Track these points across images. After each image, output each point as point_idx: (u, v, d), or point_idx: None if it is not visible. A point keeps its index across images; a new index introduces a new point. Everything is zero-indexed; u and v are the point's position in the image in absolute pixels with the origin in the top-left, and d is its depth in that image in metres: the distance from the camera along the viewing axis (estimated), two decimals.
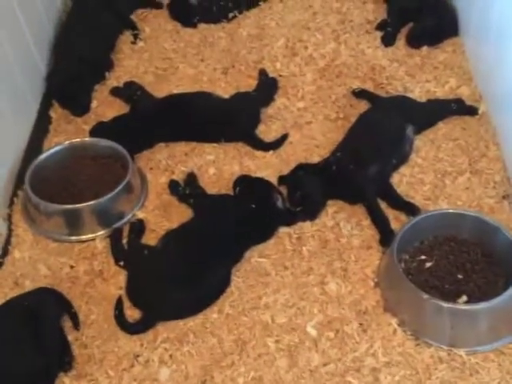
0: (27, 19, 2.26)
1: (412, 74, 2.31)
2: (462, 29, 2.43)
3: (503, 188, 1.83)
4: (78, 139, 2.10)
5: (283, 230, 1.83)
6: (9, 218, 1.93)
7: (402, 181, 1.91)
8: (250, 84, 2.35)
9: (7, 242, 1.87)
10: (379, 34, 2.52)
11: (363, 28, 2.57)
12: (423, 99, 2.17)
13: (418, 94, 2.20)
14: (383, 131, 1.95)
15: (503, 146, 1.94)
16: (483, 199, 1.82)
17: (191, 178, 2.01)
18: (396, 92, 2.21)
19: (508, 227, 1.67)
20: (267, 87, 2.32)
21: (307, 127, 2.18)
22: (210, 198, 1.91)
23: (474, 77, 2.23)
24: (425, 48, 2.41)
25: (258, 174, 2.01)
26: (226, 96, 2.27)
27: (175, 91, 2.35)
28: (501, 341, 1.48)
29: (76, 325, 1.65)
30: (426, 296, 1.48)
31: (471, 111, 2.08)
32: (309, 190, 1.86)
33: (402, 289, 1.53)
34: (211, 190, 1.98)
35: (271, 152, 2.11)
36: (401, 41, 2.47)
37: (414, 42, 2.42)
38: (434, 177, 1.90)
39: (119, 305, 1.66)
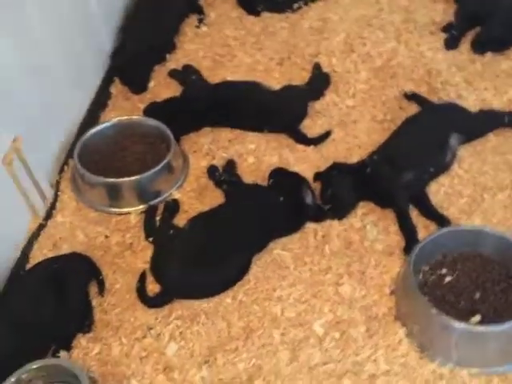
0: None
1: (470, 81, 2.23)
2: None
3: None
4: (126, 117, 2.20)
5: (310, 226, 1.85)
6: (57, 185, 2.06)
7: (439, 191, 1.87)
8: (303, 77, 2.35)
9: (52, 206, 2.00)
10: (444, 36, 2.44)
11: (427, 29, 2.50)
12: (477, 108, 2.09)
13: (472, 102, 2.13)
14: (425, 138, 1.91)
15: None
16: None
17: (230, 165, 2.05)
18: (449, 98, 2.15)
19: None
20: (319, 82, 2.32)
21: (352, 126, 2.17)
22: (242, 187, 1.95)
23: None
24: (489, 54, 2.32)
25: (296, 168, 2.02)
26: (278, 87, 2.29)
27: (229, 78, 2.39)
28: (508, 366, 1.44)
29: (101, 291, 1.75)
30: (434, 311, 1.46)
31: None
32: (340, 190, 1.86)
33: (414, 300, 1.51)
34: (248, 178, 2.02)
35: (312, 147, 2.11)
36: (465, 45, 2.39)
37: (479, 47, 2.33)
38: (473, 190, 1.85)
39: (142, 278, 1.75)
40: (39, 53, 1.97)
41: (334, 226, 1.83)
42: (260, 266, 1.76)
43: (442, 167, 1.90)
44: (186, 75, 2.44)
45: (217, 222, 1.82)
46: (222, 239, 1.76)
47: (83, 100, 2.33)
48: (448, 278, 1.58)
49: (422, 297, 1.49)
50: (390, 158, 1.88)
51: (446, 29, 2.45)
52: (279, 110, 2.19)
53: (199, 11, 2.76)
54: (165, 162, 2.01)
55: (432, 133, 1.92)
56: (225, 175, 2.02)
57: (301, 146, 2.12)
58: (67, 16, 2.17)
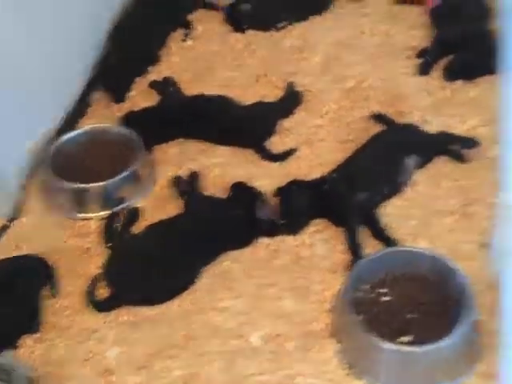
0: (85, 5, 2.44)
1: (437, 107, 2.26)
2: (500, 66, 2.33)
3: (486, 236, 1.77)
4: (99, 125, 2.27)
5: (262, 241, 1.89)
6: (26, 187, 2.12)
7: (389, 212, 1.90)
8: (276, 94, 2.41)
9: (19, 208, 2.06)
10: (419, 61, 2.48)
11: (404, 53, 2.54)
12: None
13: (435, 127, 2.16)
14: (381, 159, 1.95)
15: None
16: (463, 244, 1.78)
17: (194, 177, 2.11)
18: (413, 122, 2.18)
19: (478, 276, 1.63)
20: (290, 100, 2.37)
21: (318, 144, 2.21)
22: (201, 198, 2.00)
23: (498, 118, 2.15)
24: (460, 81, 2.35)
25: (259, 183, 2.07)
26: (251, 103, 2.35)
27: (207, 92, 2.45)
28: None
29: (54, 293, 1.80)
30: (363, 329, 1.49)
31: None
32: (295, 205, 1.91)
33: (346, 317, 1.54)
34: (212, 190, 2.07)
35: (277, 163, 2.16)
36: (438, 71, 2.42)
37: (450, 75, 2.37)
38: (423, 213, 1.88)
39: (93, 282, 1.80)
40: (16, 54, 2.03)
41: (285, 242, 1.87)
42: (209, 276, 1.80)
43: (396, 189, 1.94)
44: (165, 87, 2.51)
45: (172, 231, 1.88)
46: (175, 248, 1.81)
47: (62, 105, 2.39)
48: (386, 298, 1.61)
49: (353, 314, 1.52)
50: (347, 177, 1.93)
51: (421, 54, 2.49)
52: (247, 126, 2.25)
53: (186, 25, 2.83)
54: (130, 170, 2.07)
55: (389, 154, 1.96)
56: (188, 186, 2.07)
57: (266, 162, 2.17)
58: (51, 20, 2.23)
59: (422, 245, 1.78)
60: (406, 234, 1.83)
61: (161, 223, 1.90)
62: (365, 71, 2.46)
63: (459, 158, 2.01)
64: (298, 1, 2.84)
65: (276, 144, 2.23)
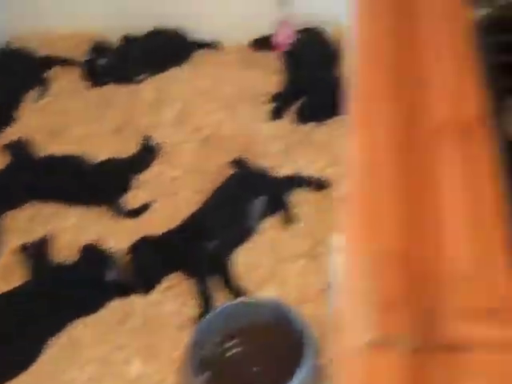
0: None
1: (288, 150, 2.33)
2: (343, 109, 2.46)
3: (328, 277, 1.82)
4: None
5: (114, 303, 1.82)
6: None
7: (239, 260, 1.91)
8: (133, 148, 2.38)
9: None
10: (272, 106, 2.55)
11: (259, 99, 2.60)
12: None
13: (285, 170, 2.22)
14: (228, 206, 1.97)
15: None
16: (310, 287, 1.80)
17: (43, 243, 2.02)
18: (265, 166, 2.23)
19: (322, 318, 1.65)
20: (146, 154, 2.36)
21: (174, 197, 2.19)
22: (47, 265, 1.91)
23: (343, 159, 2.24)
24: (311, 124, 2.44)
25: (113, 241, 2.02)
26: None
27: (64, 150, 2.39)
28: None
29: None
30: None
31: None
32: (146, 263, 1.87)
33: (189, 378, 1.51)
34: (64, 255, 1.99)
35: (132, 219, 2.12)
36: (290, 115, 2.50)
37: (301, 118, 2.45)
38: (272, 259, 1.90)
39: None
40: None
41: (137, 302, 1.82)
42: (55, 346, 1.71)
43: (245, 235, 1.95)
44: (18, 148, 2.41)
45: (16, 302, 1.77)
46: (19, 320, 1.71)
47: None
48: (232, 351, 1.59)
49: (195, 374, 1.48)
50: (196, 228, 1.92)
51: (274, 99, 2.56)
52: (100, 183, 2.21)
53: (42, 83, 2.76)
54: None
55: (236, 200, 1.98)
56: (36, 253, 1.98)
57: (121, 219, 2.12)
58: None
59: (271, 292, 1.79)
60: (255, 281, 1.83)
61: (4, 294, 1.78)
62: (221, 119, 2.50)
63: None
64: (157, 53, 2.86)
65: (132, 198, 2.20)
